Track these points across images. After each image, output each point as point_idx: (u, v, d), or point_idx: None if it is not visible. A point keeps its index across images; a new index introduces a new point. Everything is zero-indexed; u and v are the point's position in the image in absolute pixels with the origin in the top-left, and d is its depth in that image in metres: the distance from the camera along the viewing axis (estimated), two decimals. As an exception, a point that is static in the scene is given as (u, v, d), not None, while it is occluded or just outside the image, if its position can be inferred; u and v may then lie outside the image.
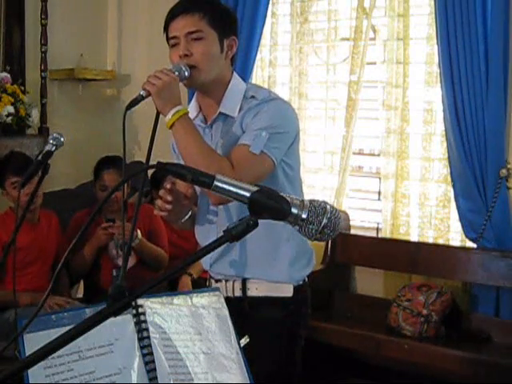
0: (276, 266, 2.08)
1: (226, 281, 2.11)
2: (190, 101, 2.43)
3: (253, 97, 2.02)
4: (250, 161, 1.93)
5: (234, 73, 2.10)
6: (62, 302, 3.28)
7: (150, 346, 1.39)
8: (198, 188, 2.09)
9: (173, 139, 2.04)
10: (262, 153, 1.93)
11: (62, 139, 2.06)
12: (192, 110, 2.11)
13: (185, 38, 1.96)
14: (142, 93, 1.87)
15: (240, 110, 2.02)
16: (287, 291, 2.10)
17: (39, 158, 2.03)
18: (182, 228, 2.19)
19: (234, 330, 1.51)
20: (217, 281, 2.15)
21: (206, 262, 2.14)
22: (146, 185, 3.62)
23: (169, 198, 1.94)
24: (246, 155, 1.92)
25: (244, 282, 2.09)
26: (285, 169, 2.05)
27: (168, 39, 2.02)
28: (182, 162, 2.04)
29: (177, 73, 1.91)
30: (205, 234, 2.12)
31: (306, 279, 2.17)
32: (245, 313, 2.07)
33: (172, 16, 1.99)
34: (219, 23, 2.00)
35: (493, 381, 3.20)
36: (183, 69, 1.93)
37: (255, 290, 2.09)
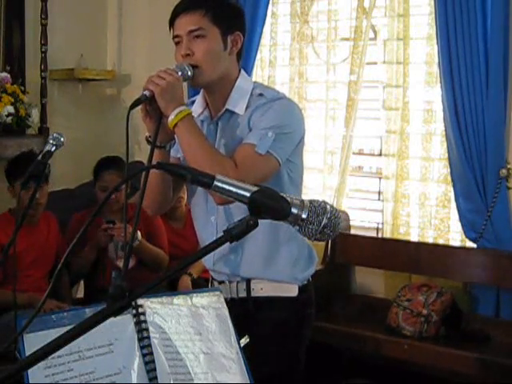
0: (278, 266, 2.08)
1: (230, 282, 2.10)
2: (189, 97, 2.42)
3: (261, 95, 2.01)
4: (254, 161, 1.92)
5: (242, 70, 2.08)
6: (52, 307, 3.22)
7: (150, 345, 1.39)
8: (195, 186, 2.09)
9: None
10: (267, 153, 1.92)
11: (61, 139, 2.05)
12: (198, 105, 2.10)
13: (187, 36, 1.95)
14: (146, 93, 1.85)
15: (247, 107, 2.01)
16: (292, 291, 2.10)
17: (39, 158, 2.03)
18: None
19: (234, 329, 1.51)
20: (220, 282, 2.14)
21: (208, 261, 2.13)
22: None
23: None
24: (251, 155, 1.92)
25: (248, 282, 2.08)
26: (290, 169, 2.04)
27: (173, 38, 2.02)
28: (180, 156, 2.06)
29: (180, 73, 1.91)
30: (205, 233, 2.12)
31: (311, 279, 2.17)
32: (249, 313, 2.06)
33: (175, 14, 1.98)
34: (222, 19, 1.97)
35: (493, 381, 3.20)
36: (186, 69, 1.92)
37: (260, 291, 2.08)
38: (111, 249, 3.61)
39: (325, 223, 1.17)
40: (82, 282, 3.87)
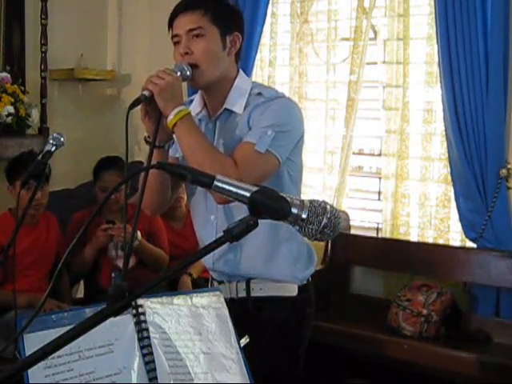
0: (278, 265, 2.08)
1: (230, 282, 2.11)
2: (189, 96, 2.42)
3: (259, 94, 2.01)
4: (254, 159, 1.92)
5: (240, 70, 2.08)
6: (52, 307, 3.20)
7: (150, 345, 1.39)
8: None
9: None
10: (267, 151, 1.92)
11: (61, 139, 2.05)
12: (196, 104, 2.11)
13: (186, 35, 1.95)
14: (145, 93, 1.86)
15: (246, 106, 2.01)
16: (291, 291, 2.10)
17: (39, 158, 2.03)
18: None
19: (234, 329, 1.51)
20: (219, 282, 2.14)
21: (208, 260, 2.13)
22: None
23: None
24: (251, 153, 1.92)
25: (248, 282, 2.09)
26: (290, 167, 2.04)
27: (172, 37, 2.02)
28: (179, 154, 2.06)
29: (179, 73, 1.91)
30: (204, 232, 2.12)
31: (310, 279, 2.17)
32: (249, 313, 2.07)
33: (175, 14, 1.99)
34: (221, 20, 1.98)
35: (493, 381, 3.20)
36: (185, 69, 1.92)
37: (259, 291, 2.08)
38: (111, 249, 3.61)
39: (325, 223, 1.17)
40: (82, 282, 3.87)
